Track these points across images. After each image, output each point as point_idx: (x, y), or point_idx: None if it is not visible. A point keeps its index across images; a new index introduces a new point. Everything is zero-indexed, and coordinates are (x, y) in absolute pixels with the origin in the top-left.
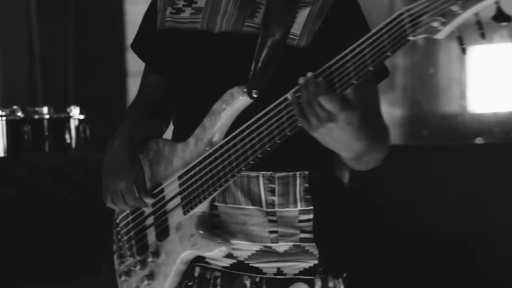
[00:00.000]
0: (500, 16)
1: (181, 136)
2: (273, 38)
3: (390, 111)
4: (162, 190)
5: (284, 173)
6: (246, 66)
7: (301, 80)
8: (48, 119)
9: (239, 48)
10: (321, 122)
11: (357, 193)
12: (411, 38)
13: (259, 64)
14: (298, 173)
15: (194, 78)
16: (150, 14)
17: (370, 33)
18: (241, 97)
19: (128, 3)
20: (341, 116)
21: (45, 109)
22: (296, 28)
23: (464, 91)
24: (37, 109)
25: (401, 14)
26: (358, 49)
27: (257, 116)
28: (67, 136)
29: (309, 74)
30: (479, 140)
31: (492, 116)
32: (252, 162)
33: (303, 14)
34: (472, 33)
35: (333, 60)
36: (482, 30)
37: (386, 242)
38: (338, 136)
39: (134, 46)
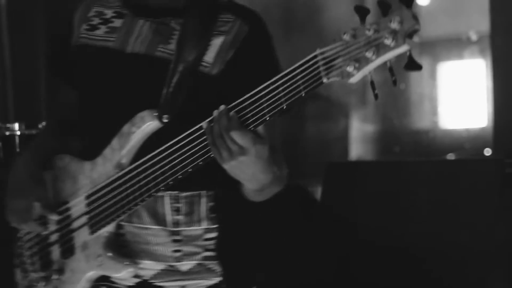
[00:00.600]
0: (411, 65)
1: (89, 154)
2: (186, 64)
3: (362, 127)
4: (68, 209)
5: (190, 193)
6: (157, 89)
7: (215, 113)
8: (19, 135)
9: (151, 71)
10: (231, 155)
11: (330, 211)
12: (325, 80)
13: (171, 90)
14: (203, 192)
15: (104, 96)
16: (64, 30)
17: (285, 72)
18: (151, 121)
19: None
20: (251, 151)
21: (16, 126)
22: (210, 56)
23: (436, 107)
24: (8, 125)
25: (315, 56)
26: (272, 87)
27: (170, 143)
28: None
29: (222, 107)
30: (450, 156)
31: (464, 132)
32: (162, 189)
33: (216, 42)
34: (442, 49)
35: (247, 96)
36: (394, 76)
37: (359, 259)
38: (247, 169)
39: (49, 62)
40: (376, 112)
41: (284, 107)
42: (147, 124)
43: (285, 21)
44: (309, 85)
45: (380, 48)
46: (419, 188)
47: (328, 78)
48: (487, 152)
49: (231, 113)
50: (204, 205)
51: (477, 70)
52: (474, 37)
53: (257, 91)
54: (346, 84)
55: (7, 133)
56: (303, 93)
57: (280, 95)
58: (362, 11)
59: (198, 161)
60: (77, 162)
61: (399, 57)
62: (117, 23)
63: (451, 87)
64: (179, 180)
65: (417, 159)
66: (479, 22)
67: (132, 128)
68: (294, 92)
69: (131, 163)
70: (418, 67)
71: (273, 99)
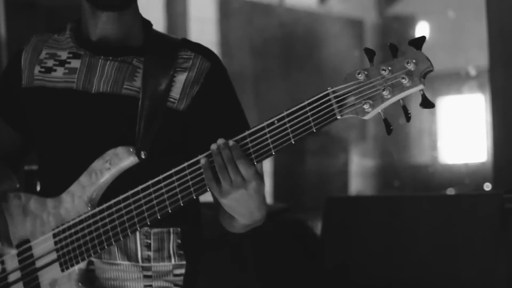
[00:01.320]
0: (426, 103)
1: (48, 192)
2: (154, 100)
3: (362, 161)
4: (30, 248)
5: (159, 229)
6: (125, 127)
7: (213, 146)
8: None
9: (119, 109)
10: (232, 187)
11: (330, 245)
12: (338, 117)
13: (142, 126)
14: (171, 229)
15: (67, 136)
16: (11, 72)
17: (293, 109)
18: (129, 158)
19: None
20: (252, 184)
21: None
22: (175, 92)
23: (435, 141)
24: None
25: (327, 94)
26: (278, 123)
27: (152, 181)
28: None
29: (220, 140)
30: (450, 191)
31: (463, 166)
32: (149, 223)
33: (180, 78)
34: (441, 84)
35: (247, 132)
36: (408, 114)
37: None
38: (244, 203)
39: None
40: (375, 147)
41: (293, 142)
42: (123, 160)
43: (284, 56)
44: (322, 121)
45: (395, 87)
46: (419, 223)
47: (342, 115)
48: (487, 187)
49: (232, 143)
50: (172, 242)
51: (476, 105)
52: (473, 72)
53: (260, 128)
54: (347, 119)
55: None
56: (314, 129)
57: (287, 131)
58: (370, 53)
59: (192, 195)
60: (36, 199)
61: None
62: (75, 63)
63: (451, 122)
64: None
65: (417, 193)
66: (477, 57)
67: (106, 165)
68: (304, 127)
69: (101, 200)
70: (432, 105)
71: (279, 135)
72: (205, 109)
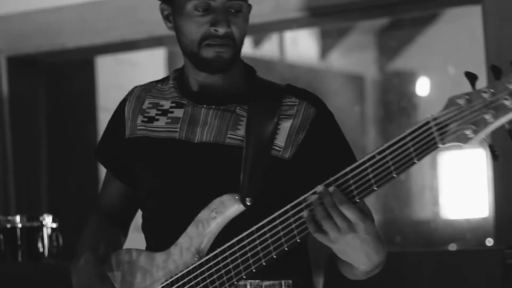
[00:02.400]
0: None
1: (157, 246)
2: (258, 150)
3: None
4: None
5: (271, 281)
6: (230, 176)
7: (313, 197)
8: (20, 228)
9: (222, 159)
10: (341, 233)
11: None
12: (440, 145)
13: (246, 175)
14: (283, 281)
15: (172, 187)
16: (116, 123)
17: (394, 141)
18: (235, 205)
19: (100, 111)
20: (361, 226)
21: (17, 218)
22: (280, 140)
23: (437, 197)
24: (9, 218)
25: (427, 123)
26: (379, 156)
27: (253, 228)
28: (40, 245)
29: (319, 188)
30: (452, 246)
31: (465, 222)
32: (244, 277)
33: (285, 126)
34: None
35: (349, 168)
36: (495, 152)
37: None
38: (358, 248)
39: (99, 154)
40: (377, 202)
41: (395, 175)
42: (229, 208)
43: None
44: (423, 151)
45: (498, 110)
46: (421, 278)
47: (444, 143)
48: (489, 242)
49: (332, 188)
50: None
51: (477, 160)
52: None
53: (361, 163)
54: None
55: (9, 225)
56: (415, 160)
57: (388, 163)
58: (472, 77)
59: (293, 240)
60: (146, 254)
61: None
62: (178, 113)
63: (452, 177)
64: (263, 267)
65: (419, 249)
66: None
67: (212, 214)
68: (405, 159)
69: (209, 250)
70: None
71: (380, 169)
72: (312, 156)
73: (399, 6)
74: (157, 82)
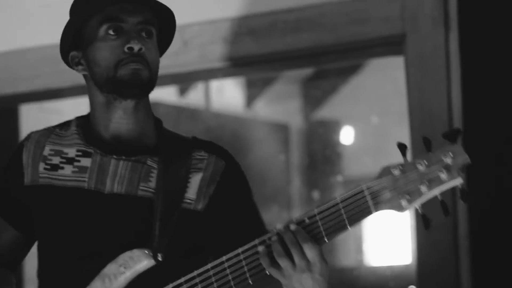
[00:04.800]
0: (465, 197)
1: None
2: (170, 203)
3: None
4: None
5: None
6: (140, 229)
7: (271, 235)
8: None
9: (134, 211)
10: (296, 271)
11: None
12: (374, 212)
13: (158, 228)
14: None
15: (76, 238)
16: (13, 170)
17: (324, 207)
18: (145, 261)
19: None
20: (318, 267)
21: None
22: (191, 193)
23: (360, 245)
24: None
25: (362, 191)
26: (308, 221)
27: (200, 270)
28: None
29: (278, 225)
30: None
31: (388, 269)
32: None
33: (196, 179)
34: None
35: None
36: (447, 209)
37: None
38: (309, 287)
39: None
40: None
41: (326, 240)
42: (139, 263)
43: None
44: (357, 217)
45: (432, 182)
46: None
47: (377, 210)
48: None
49: (294, 227)
50: None
51: None
52: None
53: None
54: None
55: None
56: (348, 227)
57: (319, 229)
58: (403, 148)
59: (248, 281)
60: None
61: None
62: (86, 162)
63: (375, 225)
64: None
65: None
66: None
67: (120, 269)
68: (338, 225)
69: None
70: (472, 200)
71: (310, 234)
72: (223, 208)
73: (323, 56)
74: (55, 127)
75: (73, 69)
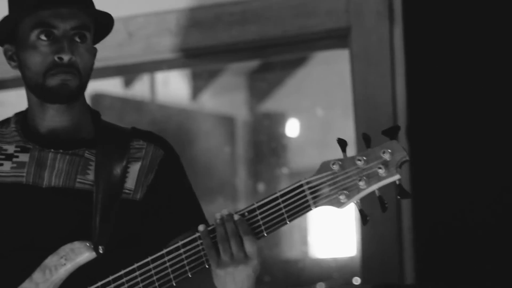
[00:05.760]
0: (403, 193)
1: None
2: (108, 194)
3: None
4: None
5: None
6: (80, 221)
7: (218, 216)
8: None
9: (73, 204)
10: (233, 261)
11: None
12: (313, 208)
13: (98, 220)
14: None
15: (17, 232)
16: None
17: (263, 201)
18: (86, 253)
19: None
20: (253, 262)
21: None
22: (130, 183)
23: (305, 237)
24: None
25: (301, 186)
26: (248, 215)
27: (140, 263)
28: None
29: (224, 211)
30: (320, 286)
31: (332, 261)
32: None
33: (134, 169)
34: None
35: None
36: (385, 204)
37: None
38: (240, 281)
39: None
40: None
41: (265, 235)
42: (80, 256)
43: None
44: (296, 212)
45: (371, 177)
46: None
47: (317, 206)
48: (356, 281)
49: (237, 217)
50: None
51: None
52: None
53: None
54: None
55: None
56: (287, 221)
57: (259, 223)
58: (343, 144)
59: (187, 273)
60: None
61: None
62: (24, 157)
63: (320, 217)
64: None
65: None
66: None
67: (61, 260)
68: (277, 219)
69: None
70: (409, 195)
71: (265, 219)
72: (161, 197)
73: (269, 49)
74: None
75: (7, 61)
